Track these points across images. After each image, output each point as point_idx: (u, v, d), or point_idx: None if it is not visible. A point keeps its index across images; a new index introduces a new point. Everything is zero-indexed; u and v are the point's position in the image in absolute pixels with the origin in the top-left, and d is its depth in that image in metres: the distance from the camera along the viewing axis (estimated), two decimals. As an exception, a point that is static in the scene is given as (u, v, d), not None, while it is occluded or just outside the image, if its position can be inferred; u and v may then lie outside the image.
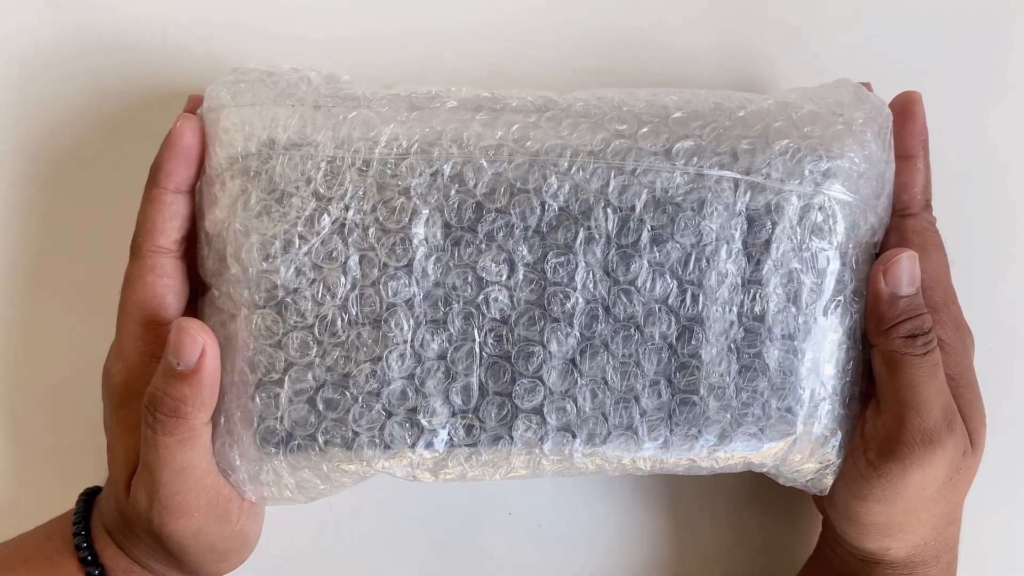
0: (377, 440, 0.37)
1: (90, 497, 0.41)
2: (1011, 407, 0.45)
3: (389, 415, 0.37)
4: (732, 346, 0.38)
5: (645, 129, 0.38)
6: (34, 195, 0.45)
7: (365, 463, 0.37)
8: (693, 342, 0.38)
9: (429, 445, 0.37)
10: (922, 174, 0.41)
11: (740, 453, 0.38)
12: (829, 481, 0.40)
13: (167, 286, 0.38)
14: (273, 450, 0.37)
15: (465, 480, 0.39)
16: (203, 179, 0.39)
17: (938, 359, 0.38)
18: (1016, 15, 0.48)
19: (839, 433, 0.39)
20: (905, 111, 0.41)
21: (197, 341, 0.36)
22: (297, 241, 0.37)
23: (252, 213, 0.37)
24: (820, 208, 0.38)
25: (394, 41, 0.46)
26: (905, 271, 0.38)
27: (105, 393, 0.39)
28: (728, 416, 0.38)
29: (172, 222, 0.38)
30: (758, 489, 0.47)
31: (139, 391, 0.37)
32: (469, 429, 0.38)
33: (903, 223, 0.40)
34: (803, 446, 0.39)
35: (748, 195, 0.38)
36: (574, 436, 0.38)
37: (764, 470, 0.40)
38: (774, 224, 0.38)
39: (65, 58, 0.45)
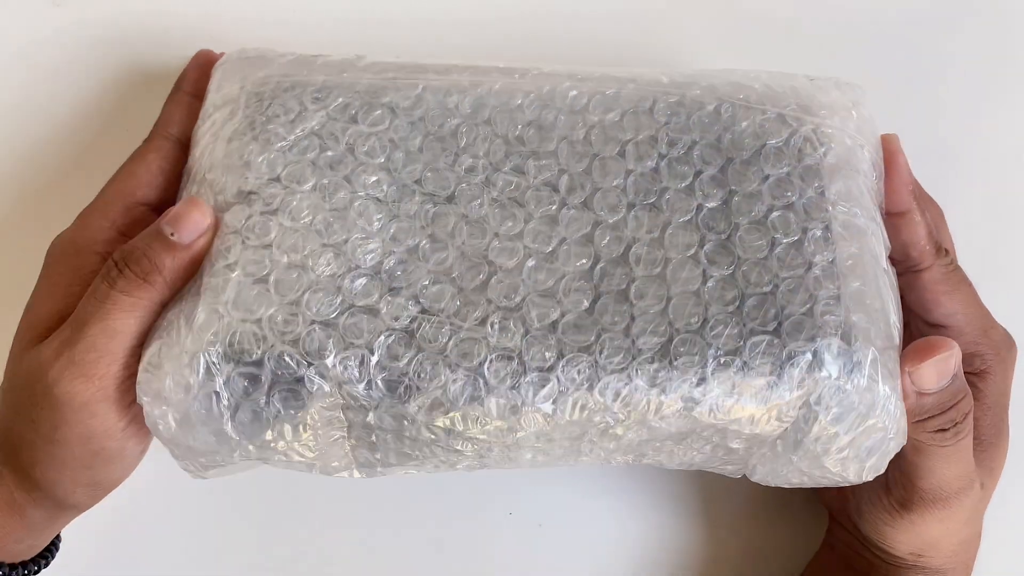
0: (331, 334, 0.32)
1: None
2: (1011, 406, 0.40)
3: (348, 307, 0.33)
4: (732, 256, 0.35)
5: (631, 86, 0.38)
6: (35, 194, 0.45)
7: (317, 365, 0.32)
8: (687, 245, 0.35)
9: (390, 351, 0.32)
10: (923, 225, 0.39)
11: (756, 377, 0.33)
12: (889, 453, 0.35)
13: (162, 170, 0.38)
14: (211, 339, 0.32)
15: (432, 420, 0.33)
16: (197, 125, 0.39)
17: (967, 442, 0.36)
18: (1016, 14, 0.49)
19: (873, 353, 0.33)
20: (887, 162, 0.39)
21: (205, 219, 0.34)
22: (272, 138, 0.36)
23: (236, 129, 0.37)
24: (807, 137, 0.37)
25: (394, 40, 0.47)
26: (931, 376, 0.35)
27: (48, 254, 0.36)
28: (737, 323, 0.33)
29: (190, 119, 0.39)
30: (761, 491, 0.45)
31: (81, 250, 0.35)
32: (439, 329, 0.33)
33: (920, 279, 0.38)
34: (828, 375, 0.33)
35: (732, 118, 0.37)
36: (561, 346, 0.33)
37: (781, 426, 0.34)
38: (763, 143, 0.37)
39: (67, 57, 0.46)
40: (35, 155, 0.46)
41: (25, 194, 0.45)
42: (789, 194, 0.36)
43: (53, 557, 0.38)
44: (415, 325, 0.33)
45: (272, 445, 0.34)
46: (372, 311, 0.33)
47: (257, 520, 0.44)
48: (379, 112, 0.37)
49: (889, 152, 0.38)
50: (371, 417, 0.33)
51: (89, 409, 0.33)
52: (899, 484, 0.36)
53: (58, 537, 0.39)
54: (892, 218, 0.37)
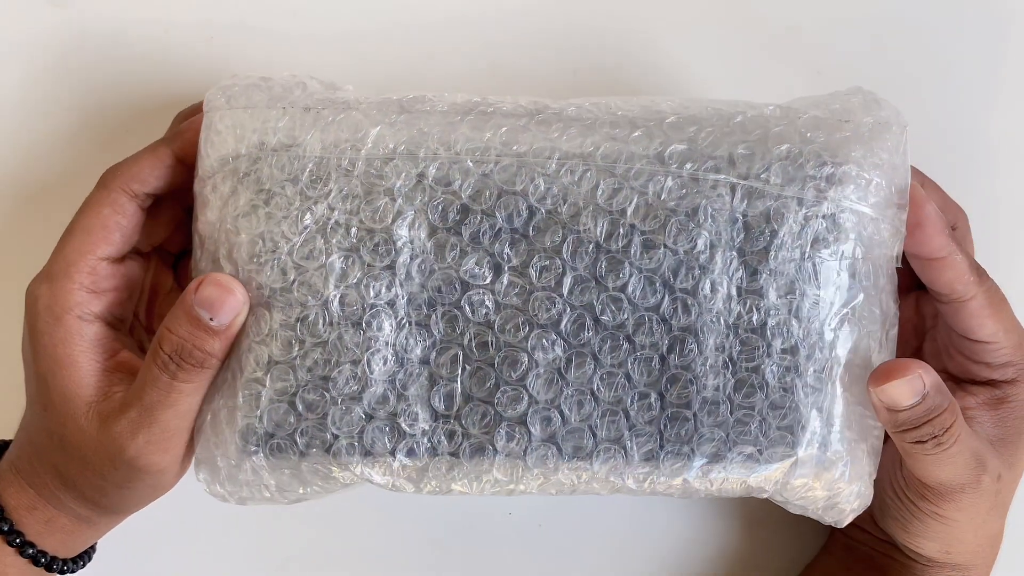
0: (356, 444, 0.37)
1: (2, 447, 0.41)
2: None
3: (369, 418, 0.37)
4: (727, 359, 0.36)
5: (637, 133, 0.37)
6: (35, 195, 0.46)
7: (344, 468, 0.37)
8: (686, 353, 0.36)
9: (410, 452, 0.37)
10: (964, 260, 0.38)
11: (736, 475, 0.37)
12: (846, 510, 0.38)
13: (119, 224, 0.39)
14: (253, 448, 0.37)
15: (448, 493, 0.38)
16: (196, 181, 0.39)
17: (959, 447, 0.37)
18: (1016, 14, 0.46)
19: (847, 458, 0.37)
20: (911, 216, 0.37)
21: (237, 302, 0.36)
22: (281, 241, 0.37)
23: (241, 213, 0.37)
24: (824, 216, 0.36)
25: (395, 40, 0.46)
26: (900, 395, 0.36)
27: (33, 314, 0.38)
28: (722, 433, 0.36)
29: (153, 174, 0.39)
30: None
31: (60, 317, 0.38)
32: (451, 435, 0.37)
33: (966, 307, 0.38)
34: (806, 470, 0.37)
35: (746, 201, 0.36)
36: (559, 449, 0.37)
37: (766, 496, 0.38)
38: (773, 232, 0.36)
39: (66, 58, 0.46)
40: (34, 155, 0.46)
41: (25, 194, 0.46)
42: (791, 295, 0.36)
43: (94, 550, 0.43)
44: (430, 430, 0.37)
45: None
46: (391, 419, 0.37)
47: (257, 519, 0.46)
48: (381, 204, 0.37)
49: (915, 203, 0.37)
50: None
51: (165, 472, 0.39)
52: (909, 481, 0.39)
53: None
54: (932, 263, 0.38)
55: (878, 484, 0.40)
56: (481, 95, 0.39)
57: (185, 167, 0.39)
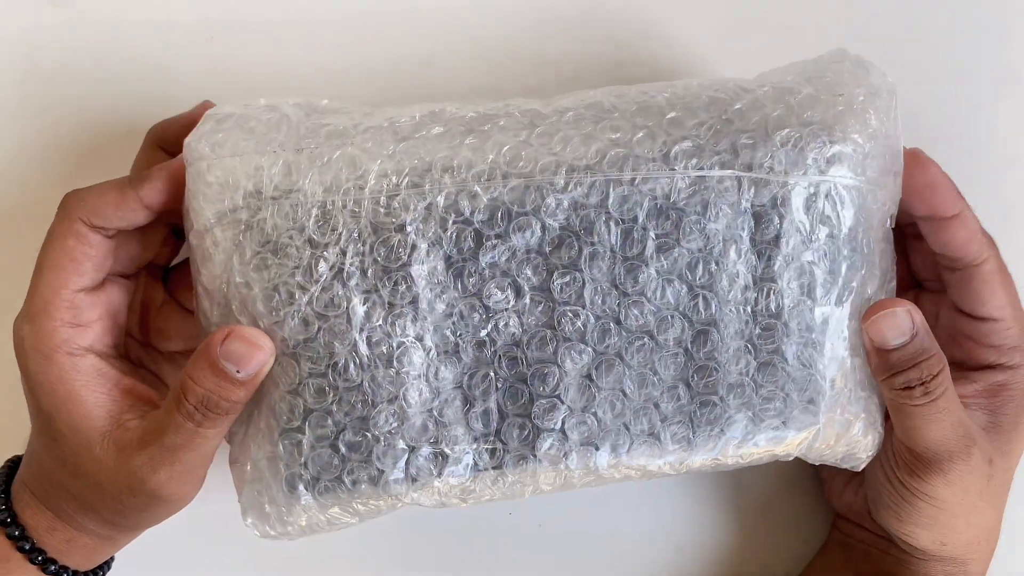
0: (403, 475, 0.38)
1: (14, 465, 0.41)
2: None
3: (412, 449, 0.37)
4: (749, 345, 0.38)
5: (640, 134, 0.37)
6: (35, 195, 0.45)
7: (394, 497, 0.38)
8: (708, 345, 0.37)
9: (455, 473, 0.38)
10: (974, 220, 0.38)
11: (764, 447, 0.39)
12: (863, 457, 0.40)
13: (87, 254, 0.38)
14: (302, 494, 0.38)
15: (495, 501, 0.39)
16: (192, 233, 0.38)
17: (946, 403, 0.37)
18: (1019, 9, 0.47)
19: (863, 415, 0.39)
20: (920, 178, 0.38)
21: (265, 355, 0.36)
22: (297, 292, 0.36)
23: (250, 267, 0.37)
24: (827, 195, 0.37)
25: (394, 40, 0.45)
26: (890, 328, 0.37)
27: (22, 354, 0.38)
28: (750, 413, 0.38)
29: (116, 215, 0.38)
30: (761, 488, 0.47)
31: (49, 356, 0.37)
32: (493, 452, 0.38)
33: (979, 272, 0.38)
34: (828, 434, 0.39)
35: (752, 191, 0.37)
36: (597, 448, 0.38)
37: (791, 458, 0.40)
38: (781, 218, 0.37)
39: (66, 58, 0.45)
40: (34, 155, 0.45)
41: (24, 194, 0.45)
42: (803, 277, 0.37)
43: (113, 558, 0.43)
44: (472, 450, 0.38)
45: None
46: (435, 448, 0.38)
47: None
48: (394, 242, 0.36)
49: (921, 166, 0.38)
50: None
51: (184, 500, 0.39)
52: (900, 454, 0.39)
53: None
54: (944, 222, 0.38)
55: (871, 473, 0.42)
56: (473, 108, 0.38)
57: (151, 212, 0.38)
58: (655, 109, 0.37)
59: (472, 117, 0.37)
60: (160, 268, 0.43)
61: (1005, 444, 0.40)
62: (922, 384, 0.37)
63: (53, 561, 0.39)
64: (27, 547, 0.39)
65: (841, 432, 0.39)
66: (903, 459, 0.39)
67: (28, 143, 0.45)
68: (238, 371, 0.36)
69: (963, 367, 0.41)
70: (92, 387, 0.38)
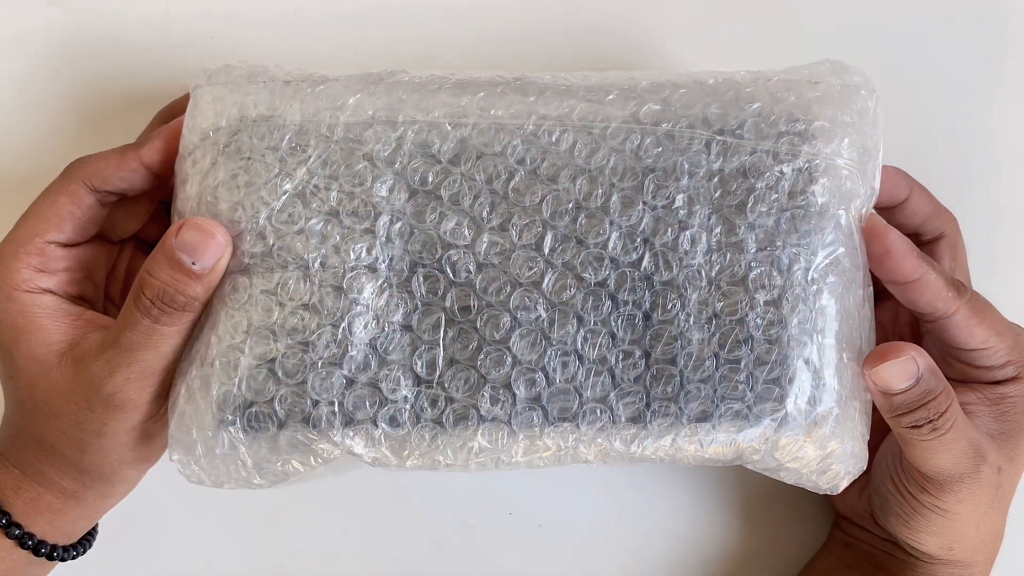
0: (336, 412, 0.36)
1: None
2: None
3: (350, 383, 0.36)
4: (711, 314, 0.36)
5: (612, 96, 0.37)
6: (34, 194, 0.45)
7: (324, 438, 0.36)
8: (668, 308, 0.36)
9: (392, 420, 0.36)
10: (940, 278, 0.38)
11: (725, 435, 0.36)
12: (840, 472, 0.37)
13: (72, 214, 0.39)
14: (229, 417, 0.36)
15: (433, 468, 0.37)
16: (177, 160, 0.39)
17: (954, 435, 0.37)
18: (1016, 10, 0.47)
19: (837, 412, 0.36)
20: (878, 247, 0.37)
21: (219, 245, 0.36)
22: (260, 207, 0.37)
23: (219, 182, 0.37)
24: (799, 170, 0.36)
25: (394, 40, 0.46)
26: (893, 375, 0.36)
27: None
28: (709, 390, 0.36)
29: (117, 175, 0.39)
30: (761, 487, 0.46)
31: (9, 295, 0.38)
32: (434, 401, 0.36)
33: (952, 323, 0.38)
34: (795, 426, 0.36)
35: (722, 157, 0.37)
36: (545, 412, 0.36)
37: (757, 459, 0.37)
38: (751, 187, 0.36)
39: (66, 57, 0.46)
40: (34, 155, 0.46)
41: (24, 194, 0.45)
42: (771, 248, 0.36)
43: (94, 538, 0.43)
44: (412, 396, 0.36)
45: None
46: (373, 385, 0.36)
47: (257, 518, 0.46)
48: (360, 167, 0.37)
49: (877, 234, 0.37)
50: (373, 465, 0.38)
51: (141, 408, 0.38)
52: (909, 473, 0.39)
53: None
54: (906, 285, 0.37)
55: (879, 480, 0.41)
56: (462, 71, 0.39)
57: (151, 174, 0.40)
58: (630, 80, 0.38)
59: (456, 75, 0.39)
60: (148, 245, 0.44)
61: (1012, 450, 0.39)
62: (930, 423, 0.36)
63: (18, 525, 0.38)
64: None
65: (811, 427, 0.36)
66: (913, 476, 0.39)
67: (28, 143, 0.46)
68: (194, 263, 0.36)
69: (961, 381, 0.40)
70: (54, 317, 0.38)
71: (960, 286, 0.38)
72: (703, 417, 0.36)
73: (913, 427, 0.37)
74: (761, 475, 0.43)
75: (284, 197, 0.37)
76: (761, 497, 0.46)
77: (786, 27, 0.47)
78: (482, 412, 0.36)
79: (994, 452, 0.39)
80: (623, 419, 0.36)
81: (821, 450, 0.37)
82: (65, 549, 0.40)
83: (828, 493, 0.38)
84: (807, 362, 0.36)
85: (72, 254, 0.40)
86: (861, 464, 0.38)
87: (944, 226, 0.41)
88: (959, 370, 0.40)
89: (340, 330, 0.36)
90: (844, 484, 0.38)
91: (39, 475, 0.39)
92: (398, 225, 0.37)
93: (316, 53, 0.47)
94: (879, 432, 0.40)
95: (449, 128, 0.37)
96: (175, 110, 0.43)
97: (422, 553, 0.46)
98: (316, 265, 0.36)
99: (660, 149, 0.37)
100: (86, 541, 0.42)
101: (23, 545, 0.38)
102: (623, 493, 0.46)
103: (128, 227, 0.42)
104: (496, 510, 0.46)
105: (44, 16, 0.46)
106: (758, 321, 0.36)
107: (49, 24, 0.46)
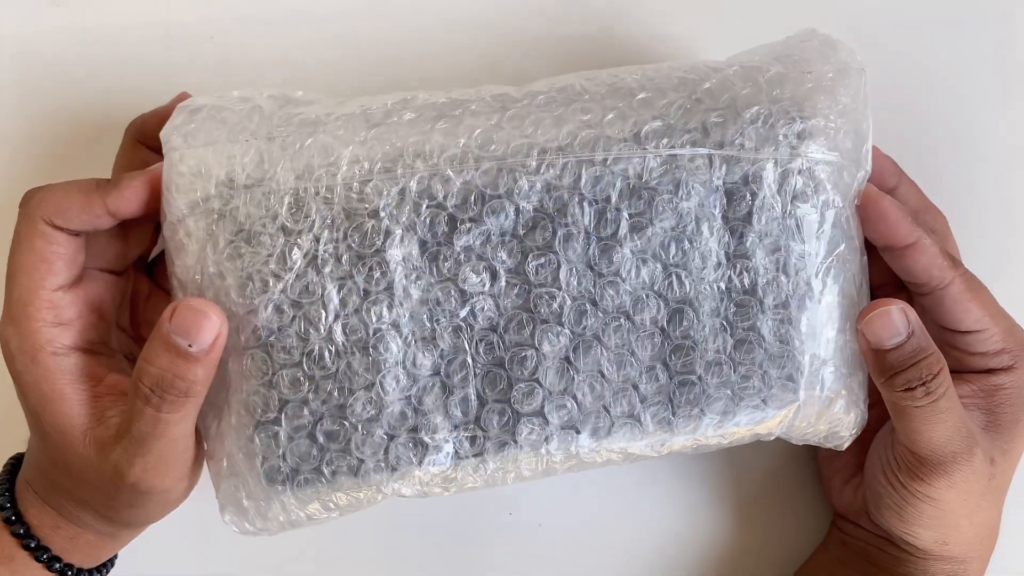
0: (383, 464, 0.37)
1: (16, 463, 0.41)
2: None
3: (391, 437, 0.37)
4: (724, 322, 0.38)
5: (611, 115, 0.37)
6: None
7: (374, 488, 0.38)
8: (684, 323, 0.37)
9: (435, 461, 0.38)
10: (934, 245, 0.38)
11: (745, 426, 0.39)
12: (845, 435, 0.40)
13: (57, 253, 0.37)
14: (280, 488, 0.37)
15: (477, 489, 0.39)
16: (166, 225, 0.37)
17: (948, 403, 0.37)
18: (1018, 7, 0.47)
19: (844, 393, 0.39)
20: (872, 211, 0.38)
21: (214, 324, 0.36)
22: (271, 280, 0.36)
23: (223, 256, 0.36)
24: (799, 172, 0.37)
25: (394, 40, 0.46)
26: (885, 327, 0.37)
27: (9, 356, 0.38)
28: (728, 391, 0.38)
29: (80, 217, 0.37)
30: (761, 487, 0.47)
31: (35, 357, 0.37)
32: (473, 440, 0.38)
33: (946, 295, 0.38)
34: (808, 411, 0.39)
35: (724, 169, 0.37)
36: (578, 432, 0.38)
37: (772, 438, 0.40)
38: (753, 195, 0.37)
39: (67, 57, 0.45)
40: (33, 154, 0.45)
41: (23, 193, 0.44)
42: (777, 252, 0.37)
43: (116, 556, 0.43)
44: (452, 438, 0.38)
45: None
46: (414, 436, 0.37)
47: None
48: (368, 227, 0.36)
49: (871, 200, 0.38)
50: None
51: (169, 491, 0.39)
52: (902, 457, 0.39)
53: None
54: (902, 251, 0.38)
55: (872, 475, 0.42)
56: (445, 94, 0.38)
57: (116, 220, 0.38)
58: (625, 91, 0.38)
59: (443, 103, 0.38)
60: (144, 260, 0.43)
61: (1006, 443, 0.40)
62: (923, 384, 0.37)
63: (58, 559, 0.39)
64: (32, 544, 0.39)
65: (822, 410, 0.39)
66: (905, 463, 0.39)
67: (28, 143, 0.45)
68: (190, 345, 0.35)
69: (955, 372, 0.40)
70: (76, 385, 0.38)
71: (956, 260, 0.39)
72: (725, 415, 0.38)
73: (907, 389, 0.37)
74: (761, 475, 0.46)
75: (296, 268, 0.36)
76: (760, 496, 0.47)
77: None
78: (519, 442, 0.38)
79: (987, 443, 0.39)
80: (651, 428, 0.38)
81: (829, 425, 0.40)
82: (98, 570, 0.42)
83: (835, 448, 0.42)
84: (816, 355, 0.38)
85: (80, 297, 0.38)
86: (862, 423, 0.41)
87: (934, 222, 0.42)
88: (954, 358, 0.40)
89: (373, 391, 0.37)
90: (848, 443, 0.41)
91: (76, 519, 0.40)
92: (414, 279, 0.37)
93: (317, 52, 0.46)
94: (871, 430, 0.41)
95: (451, 174, 0.36)
96: (146, 126, 0.41)
97: (422, 553, 0.46)
98: (339, 332, 0.36)
99: (664, 169, 0.37)
100: (113, 556, 0.43)
101: (63, 575, 0.40)
102: (623, 493, 0.46)
103: (131, 254, 0.41)
104: (496, 510, 0.46)
105: (45, 17, 0.46)
106: (769, 324, 0.38)
107: (50, 25, 0.46)
